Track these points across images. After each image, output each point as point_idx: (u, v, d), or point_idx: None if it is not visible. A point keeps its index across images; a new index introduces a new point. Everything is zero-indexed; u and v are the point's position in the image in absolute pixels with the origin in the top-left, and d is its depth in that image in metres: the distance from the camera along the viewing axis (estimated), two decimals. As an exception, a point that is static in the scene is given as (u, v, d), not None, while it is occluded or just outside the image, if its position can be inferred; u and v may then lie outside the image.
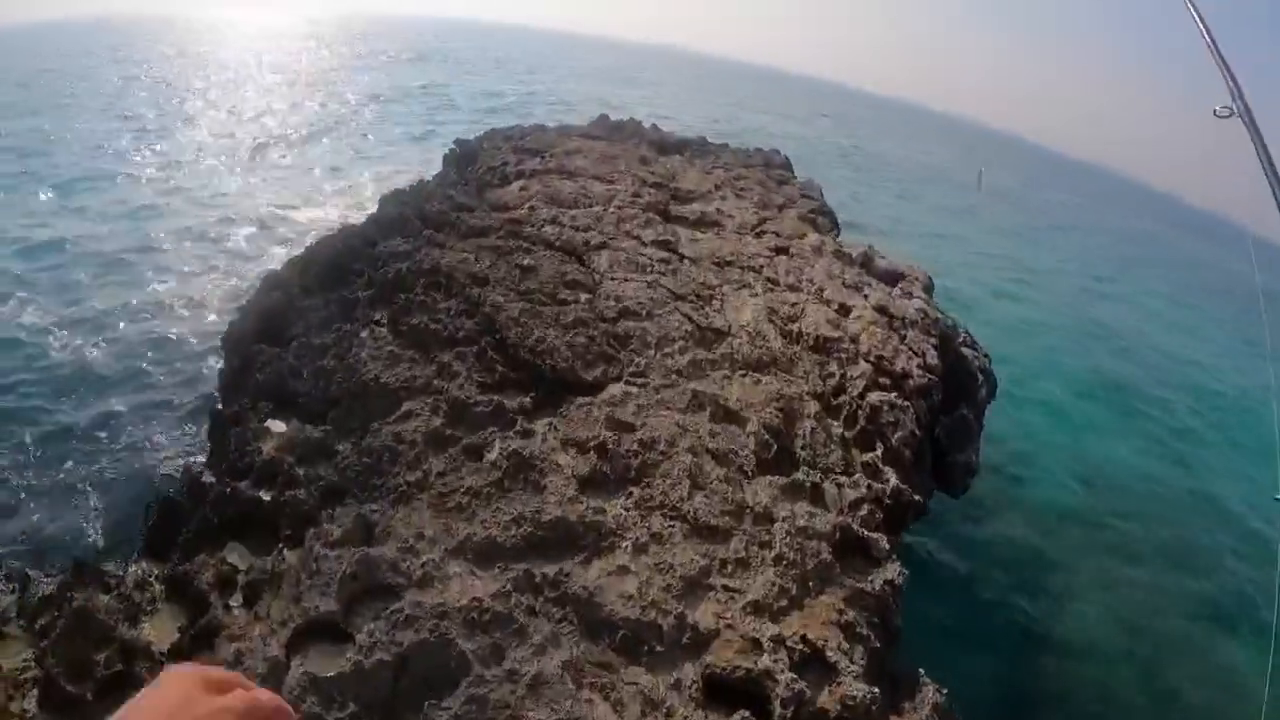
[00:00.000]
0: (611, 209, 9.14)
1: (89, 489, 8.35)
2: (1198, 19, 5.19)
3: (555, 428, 5.37)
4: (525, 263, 6.94)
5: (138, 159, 23.57)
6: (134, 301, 13.56)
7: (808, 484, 5.65)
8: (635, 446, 5.26)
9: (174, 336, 12.45)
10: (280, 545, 5.01)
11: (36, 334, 11.88)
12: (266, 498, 5.30)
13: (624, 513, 4.90)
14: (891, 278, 10.19)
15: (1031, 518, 12.34)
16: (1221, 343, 27.32)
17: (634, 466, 5.16)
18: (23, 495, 8.25)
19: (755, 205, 11.51)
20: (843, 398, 7.09)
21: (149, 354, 11.67)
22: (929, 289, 10.23)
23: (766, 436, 5.96)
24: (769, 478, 5.60)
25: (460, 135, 14.05)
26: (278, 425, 5.85)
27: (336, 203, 20.94)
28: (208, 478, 6.23)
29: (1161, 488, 14.77)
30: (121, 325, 12.61)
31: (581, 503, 4.83)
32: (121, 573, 5.68)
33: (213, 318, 13.03)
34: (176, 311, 13.45)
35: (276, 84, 44.51)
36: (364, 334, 6.13)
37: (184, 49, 60.65)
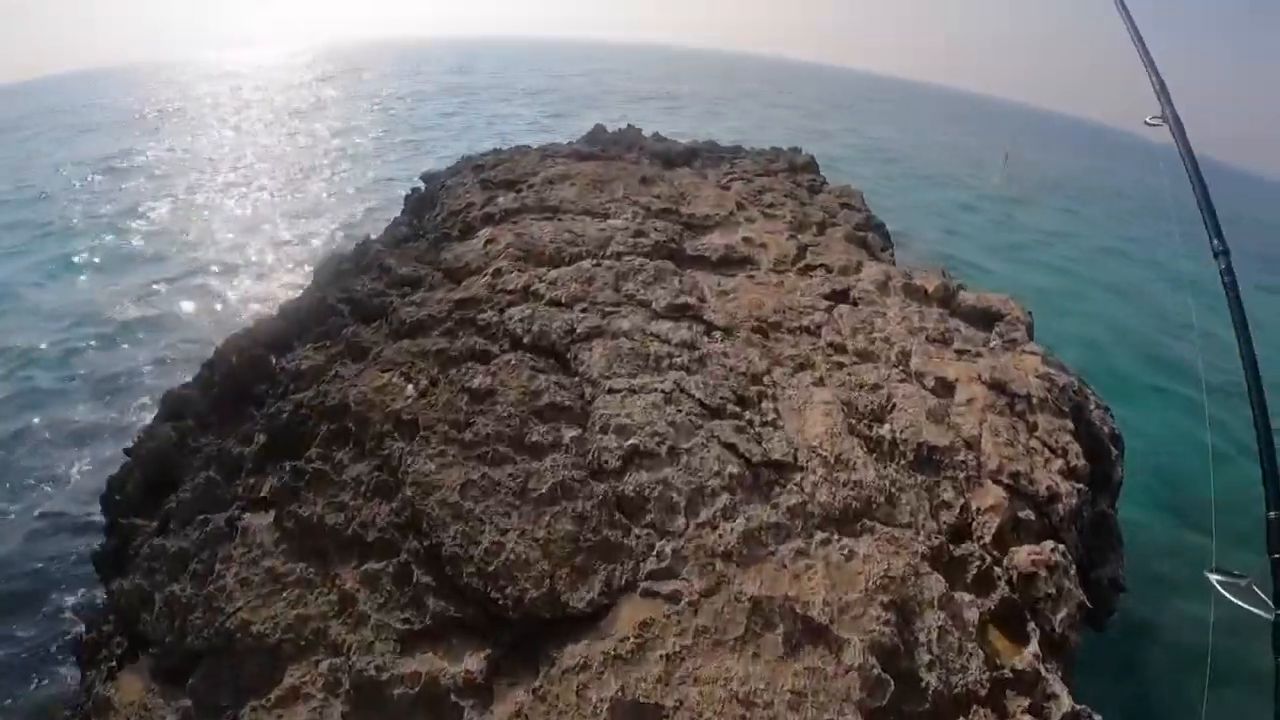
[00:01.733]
0: (607, 260, 6.78)
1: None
2: (1134, 36, 5.12)
3: (523, 727, 3.04)
4: (476, 383, 4.57)
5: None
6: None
7: (958, 767, 3.32)
8: (666, 768, 2.93)
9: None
10: None
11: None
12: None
13: None
14: (984, 318, 7.77)
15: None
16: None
17: (666, 814, 2.84)
18: None
19: (790, 226, 9.11)
20: (967, 545, 4.73)
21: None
22: (1031, 330, 7.78)
23: (876, 668, 3.61)
24: (895, 767, 3.27)
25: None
26: (124, 689, 3.58)
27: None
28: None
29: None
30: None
31: None
32: None
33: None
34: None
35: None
36: (239, 532, 3.84)
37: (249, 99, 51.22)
